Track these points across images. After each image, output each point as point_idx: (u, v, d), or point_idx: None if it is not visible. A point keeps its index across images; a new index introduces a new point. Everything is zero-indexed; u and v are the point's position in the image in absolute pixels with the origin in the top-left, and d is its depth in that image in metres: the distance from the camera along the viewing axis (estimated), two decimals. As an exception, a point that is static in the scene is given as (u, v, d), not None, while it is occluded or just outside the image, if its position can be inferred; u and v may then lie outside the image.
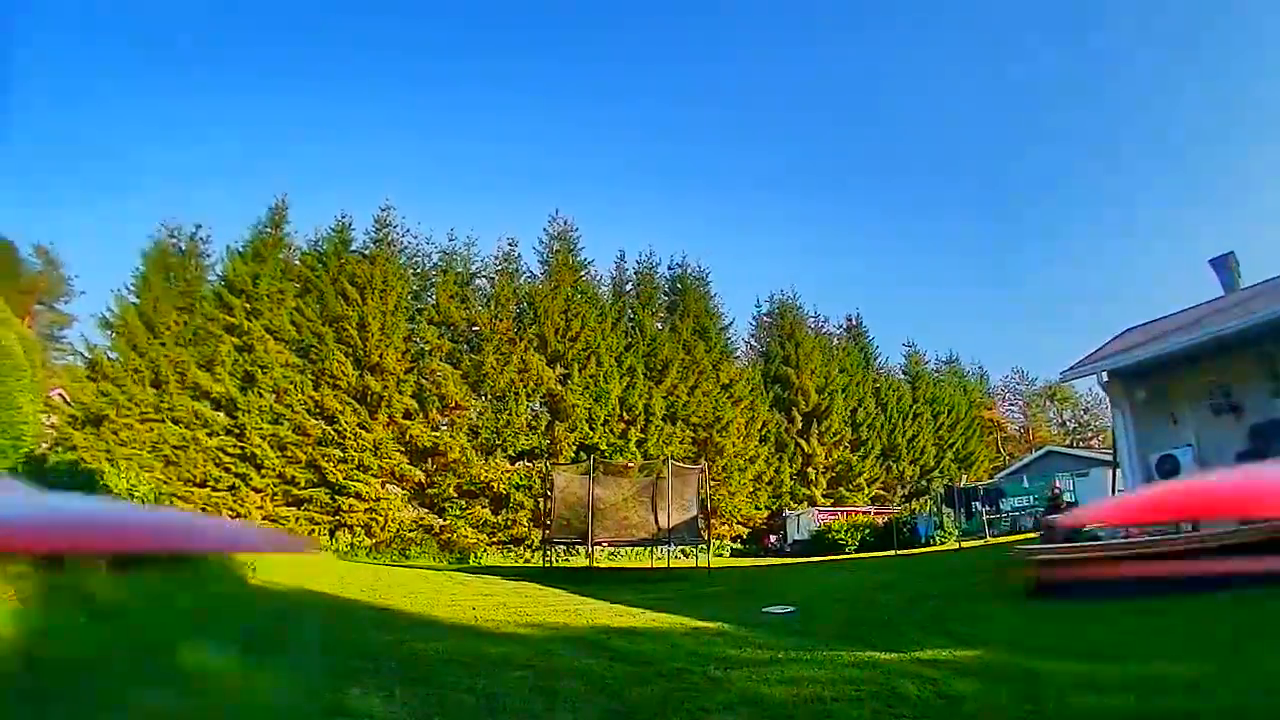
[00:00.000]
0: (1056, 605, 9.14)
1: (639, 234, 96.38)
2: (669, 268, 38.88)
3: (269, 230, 33.35)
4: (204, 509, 27.87)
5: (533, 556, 28.06)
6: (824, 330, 43.51)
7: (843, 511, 34.90)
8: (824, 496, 38.45)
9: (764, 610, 10.16)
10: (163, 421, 29.16)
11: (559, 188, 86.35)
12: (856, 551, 29.39)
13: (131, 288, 32.10)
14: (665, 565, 21.30)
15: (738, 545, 35.02)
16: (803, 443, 38.66)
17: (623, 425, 32.94)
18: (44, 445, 29.45)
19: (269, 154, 73.51)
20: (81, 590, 7.98)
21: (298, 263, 33.17)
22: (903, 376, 45.35)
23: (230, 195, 76.36)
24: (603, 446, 31.45)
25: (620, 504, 20.88)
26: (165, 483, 27.90)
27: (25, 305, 53.78)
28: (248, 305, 31.12)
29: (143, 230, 36.75)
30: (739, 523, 35.36)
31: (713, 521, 31.58)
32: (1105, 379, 14.25)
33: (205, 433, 29.33)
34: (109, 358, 30.49)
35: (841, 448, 39.85)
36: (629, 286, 37.49)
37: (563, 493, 21.28)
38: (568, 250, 35.29)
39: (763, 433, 37.38)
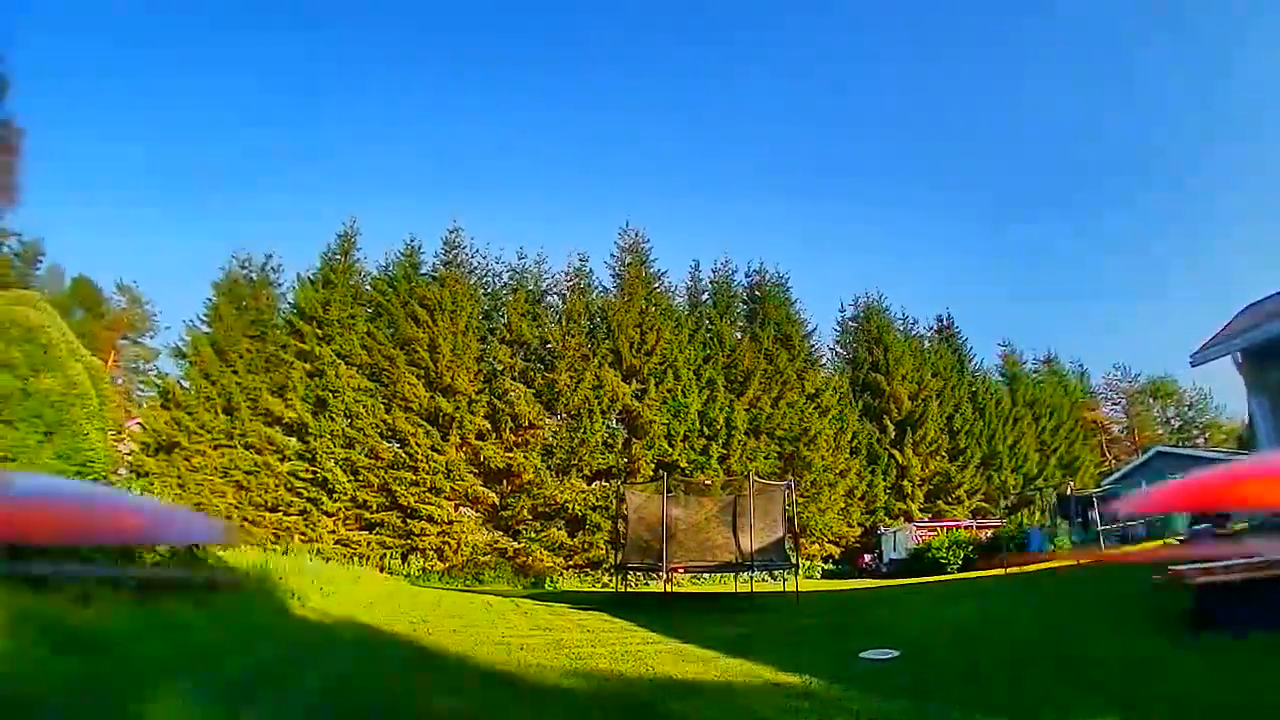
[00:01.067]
0: (1229, 641, 7.17)
1: (713, 244, 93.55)
2: (746, 275, 37.07)
3: (339, 257, 33.19)
4: (275, 535, 27.70)
5: (610, 580, 26.63)
6: (914, 332, 40.61)
7: (942, 526, 32.49)
8: (921, 510, 35.88)
9: (862, 655, 8.32)
10: (234, 447, 29.17)
11: (629, 201, 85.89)
12: (960, 570, 26.99)
13: (204, 318, 32.34)
14: (749, 590, 19.51)
15: (829, 566, 32.76)
16: (896, 454, 36.19)
17: (703, 441, 31.23)
18: (120, 471, 29.85)
19: (337, 177, 75.61)
20: (57, 618, 6.99)
21: (369, 288, 32.88)
22: (999, 378, 42.34)
23: (300, 222, 78.66)
24: (682, 464, 29.90)
25: (700, 524, 19.33)
26: (236, 507, 28.15)
27: (110, 340, 55.50)
28: (319, 331, 30.86)
29: (215, 261, 37.28)
30: (830, 541, 33.17)
31: (802, 541, 29.74)
32: (1239, 360, 12.28)
33: (277, 458, 29.19)
34: (181, 386, 30.75)
35: (938, 457, 37.12)
36: (705, 296, 35.73)
37: (637, 513, 19.78)
38: (640, 263, 33.95)
39: (853, 444, 34.98)
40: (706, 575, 26.72)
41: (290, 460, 29.26)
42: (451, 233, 33.84)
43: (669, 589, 20.57)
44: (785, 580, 21.37)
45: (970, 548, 28.28)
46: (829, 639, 10.68)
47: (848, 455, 34.33)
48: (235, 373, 30.37)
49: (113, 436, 32.95)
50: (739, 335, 34.49)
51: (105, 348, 55.50)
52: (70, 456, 26.46)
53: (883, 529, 33.76)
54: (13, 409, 25.70)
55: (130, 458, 30.26)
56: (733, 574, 21.87)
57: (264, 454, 29.26)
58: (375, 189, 76.87)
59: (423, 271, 33.20)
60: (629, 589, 21.65)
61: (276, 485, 28.79)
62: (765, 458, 31.42)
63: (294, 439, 29.71)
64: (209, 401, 29.96)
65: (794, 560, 20.34)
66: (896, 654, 8.25)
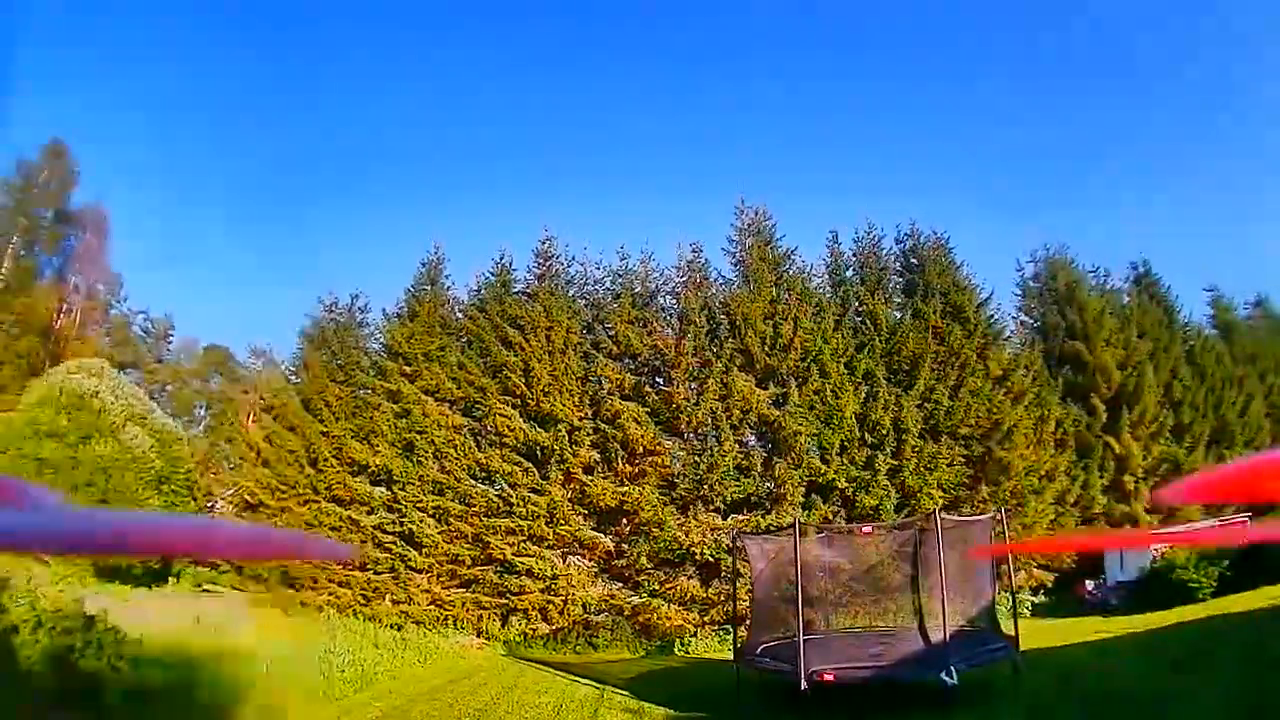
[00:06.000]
0: None
1: (848, 212, 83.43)
2: (897, 240, 29.91)
3: (425, 287, 29.77)
4: (365, 597, 25.08)
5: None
6: (1109, 286, 32.31)
7: (1179, 533, 24.84)
8: (1148, 512, 27.97)
9: None
10: (319, 501, 26.15)
11: (740, 181, 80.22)
12: (1215, 595, 19.76)
13: (292, 369, 31.18)
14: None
15: (1039, 599, 25.28)
16: (1111, 440, 28.10)
17: (866, 451, 24.62)
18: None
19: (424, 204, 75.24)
20: None
21: (459, 315, 29.30)
22: (1213, 332, 33.64)
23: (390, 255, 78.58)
24: (841, 483, 23.66)
25: (859, 579, 13.56)
26: (322, 567, 25.32)
27: (250, 403, 54.85)
28: (406, 368, 27.32)
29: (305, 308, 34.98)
30: (1039, 566, 25.85)
31: (1003, 567, 22.64)
32: None
33: (363, 511, 25.82)
34: (266, 443, 28.59)
35: (1161, 439, 29.06)
36: (849, 272, 28.95)
37: (770, 569, 14.09)
38: (764, 243, 27.80)
39: (1057, 435, 27.15)
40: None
41: (377, 512, 25.80)
42: (543, 243, 29.32)
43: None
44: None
45: (1225, 562, 20.87)
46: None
47: (1053, 450, 26.67)
48: (321, 421, 27.43)
49: (205, 498, 31.40)
50: (897, 314, 27.80)
51: (245, 412, 55.19)
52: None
53: (1105, 543, 26.27)
54: (63, 477, 24.02)
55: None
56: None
57: (350, 507, 26.00)
58: (466, 213, 76.57)
59: (515, 290, 29.01)
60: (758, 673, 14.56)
61: (363, 541, 25.17)
62: (949, 464, 24.60)
63: (380, 488, 26.21)
64: (292, 455, 27.21)
65: (1013, 639, 13.51)
66: None
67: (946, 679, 10.79)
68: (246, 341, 72.58)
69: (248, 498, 27.90)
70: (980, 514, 23.21)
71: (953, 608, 11.96)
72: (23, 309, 36.35)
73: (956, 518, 15.21)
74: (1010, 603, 16.02)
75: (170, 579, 26.48)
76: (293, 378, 30.72)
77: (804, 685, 10.95)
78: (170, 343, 62.72)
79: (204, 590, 25.01)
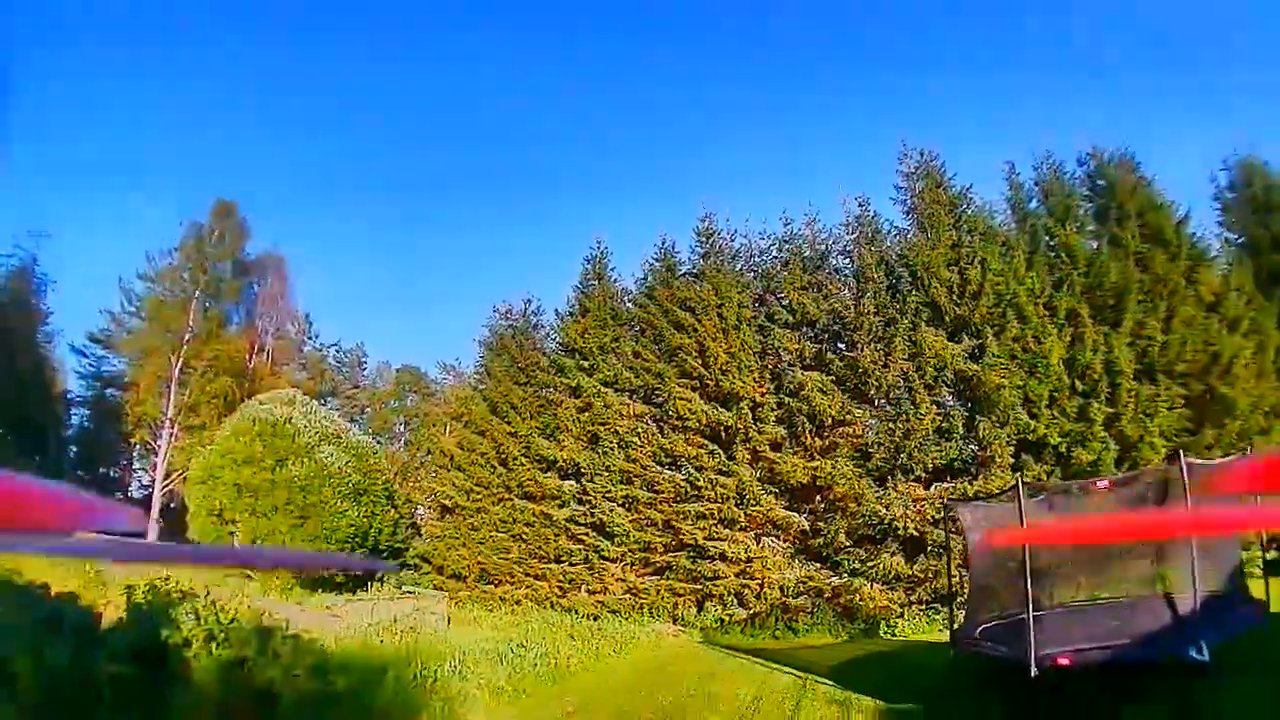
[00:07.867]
0: None
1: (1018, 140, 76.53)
2: (1079, 162, 26.67)
3: (593, 281, 29.94)
4: (561, 589, 25.86)
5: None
6: None
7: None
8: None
9: None
10: (512, 499, 27.16)
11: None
12: None
13: (477, 376, 32.85)
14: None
15: (1271, 554, 21.54)
16: None
17: (1078, 401, 21.85)
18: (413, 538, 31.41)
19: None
20: None
21: (628, 305, 29.23)
22: None
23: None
24: (1053, 439, 21.15)
25: (1083, 546, 11.80)
26: (517, 562, 26.71)
27: (444, 413, 57.51)
28: (584, 363, 27.69)
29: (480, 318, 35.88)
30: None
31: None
32: None
33: (556, 504, 26.35)
34: (459, 448, 30.10)
35: None
36: (1033, 203, 25.99)
37: (985, 545, 12.54)
38: (935, 185, 25.18)
39: (1278, 364, 23.42)
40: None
41: (568, 505, 26.23)
42: (703, 221, 28.29)
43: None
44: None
45: None
46: None
47: (1275, 381, 23.08)
48: (508, 423, 28.44)
49: (406, 505, 32.86)
50: (1092, 243, 24.76)
51: (440, 425, 57.66)
52: (328, 536, 26.04)
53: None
54: (263, 499, 25.57)
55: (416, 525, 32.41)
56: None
57: (541, 502, 26.61)
58: (624, 200, 76.99)
59: (681, 272, 28.35)
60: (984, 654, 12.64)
61: (556, 535, 26.00)
62: (1169, 408, 21.71)
63: (569, 481, 26.61)
64: (484, 457, 28.42)
65: (1264, 606, 11.23)
66: None
67: (1197, 655, 9.18)
68: (436, 358, 76.39)
69: (444, 501, 29.37)
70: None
71: (1201, 571, 10.20)
72: (214, 355, 39.11)
73: (1205, 460, 12.97)
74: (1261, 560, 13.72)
75: (373, 584, 27.65)
76: (479, 386, 31.80)
77: (1033, 670, 9.61)
78: (365, 369, 66.56)
79: (405, 592, 25.86)
